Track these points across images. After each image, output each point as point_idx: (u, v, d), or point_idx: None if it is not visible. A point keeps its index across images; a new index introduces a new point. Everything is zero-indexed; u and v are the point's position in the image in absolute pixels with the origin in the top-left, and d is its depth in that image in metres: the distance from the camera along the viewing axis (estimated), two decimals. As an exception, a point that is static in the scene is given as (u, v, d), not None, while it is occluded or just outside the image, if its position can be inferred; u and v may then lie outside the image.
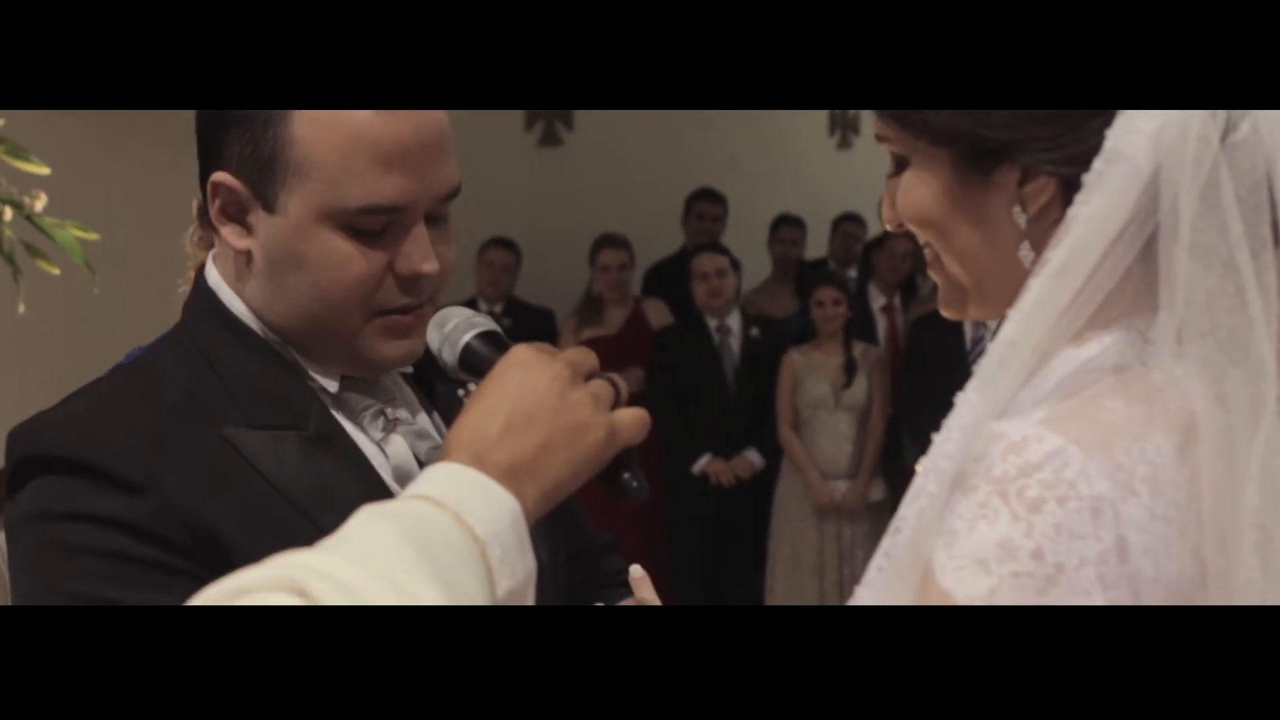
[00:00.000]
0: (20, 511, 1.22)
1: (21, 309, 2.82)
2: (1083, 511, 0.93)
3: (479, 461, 1.03)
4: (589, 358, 1.13)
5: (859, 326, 5.60)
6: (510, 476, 1.03)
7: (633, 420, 1.10)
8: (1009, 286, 1.04)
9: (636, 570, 1.44)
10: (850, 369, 5.30)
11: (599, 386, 1.10)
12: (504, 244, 5.81)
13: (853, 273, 6.72)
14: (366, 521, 0.97)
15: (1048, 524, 0.93)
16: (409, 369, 1.39)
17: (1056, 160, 1.04)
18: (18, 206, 2.74)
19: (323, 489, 1.24)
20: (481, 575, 0.97)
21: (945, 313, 1.17)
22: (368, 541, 0.95)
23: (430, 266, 1.26)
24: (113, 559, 1.17)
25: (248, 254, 1.28)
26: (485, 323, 1.29)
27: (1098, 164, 1.00)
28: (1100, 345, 1.03)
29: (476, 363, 1.26)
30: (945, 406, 1.01)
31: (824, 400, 5.30)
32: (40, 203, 2.77)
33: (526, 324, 5.44)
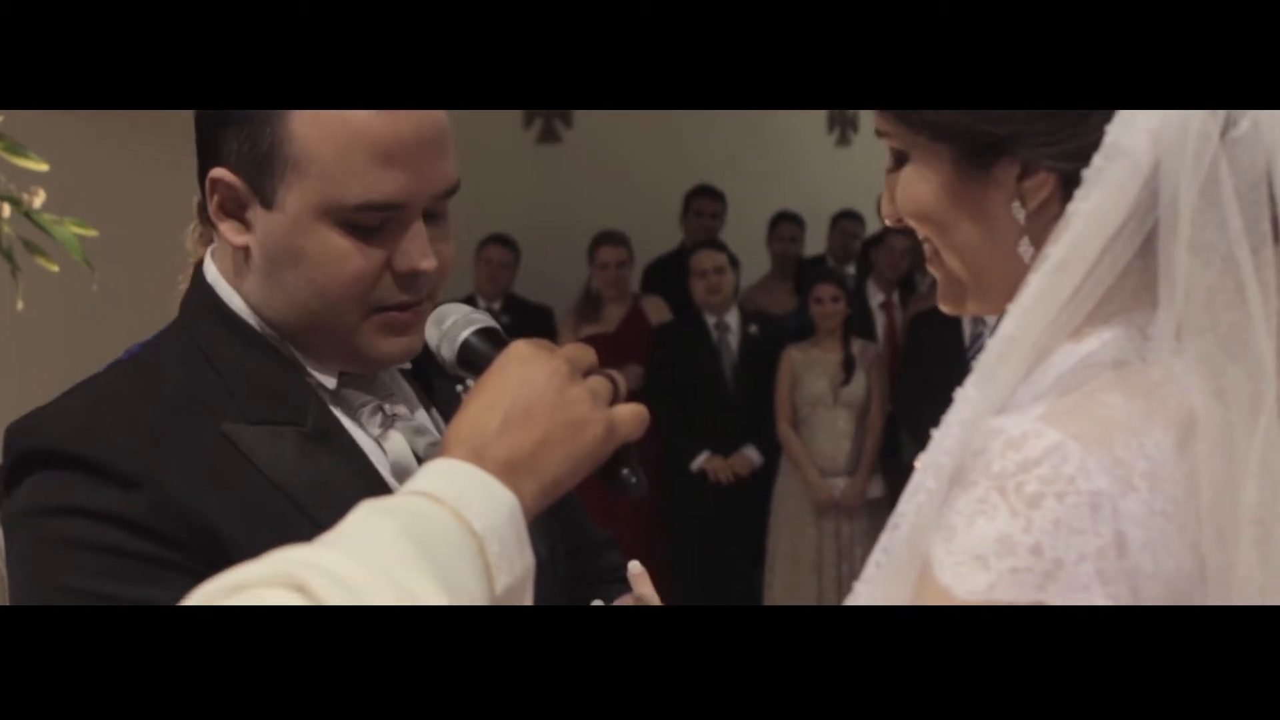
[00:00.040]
0: (17, 506, 1.22)
1: (20, 306, 2.82)
2: (1081, 507, 0.93)
3: (477, 457, 1.03)
4: (587, 353, 1.12)
5: (857, 323, 5.60)
6: (509, 472, 1.03)
7: (631, 416, 1.10)
8: (1008, 282, 1.05)
9: (635, 566, 1.44)
10: (849, 366, 5.30)
11: (597, 382, 1.10)
12: (502, 241, 5.80)
13: (851, 270, 6.72)
14: (365, 517, 0.97)
15: (1046, 519, 0.93)
16: (407, 365, 1.39)
17: (1056, 155, 1.04)
18: (16, 203, 2.74)
19: (321, 485, 1.24)
20: (480, 571, 0.97)
21: (944, 308, 1.16)
22: (366, 537, 0.95)
23: (428, 263, 1.26)
24: (110, 554, 1.17)
25: (246, 250, 1.28)
26: (484, 319, 1.29)
27: (1097, 159, 1.00)
28: (1099, 341, 1.03)
29: (475, 359, 1.26)
30: (944, 403, 1.01)
31: (822, 397, 5.30)
32: (39, 199, 2.77)
33: (525, 321, 5.43)
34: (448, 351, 1.28)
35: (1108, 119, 1.00)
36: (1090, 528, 0.93)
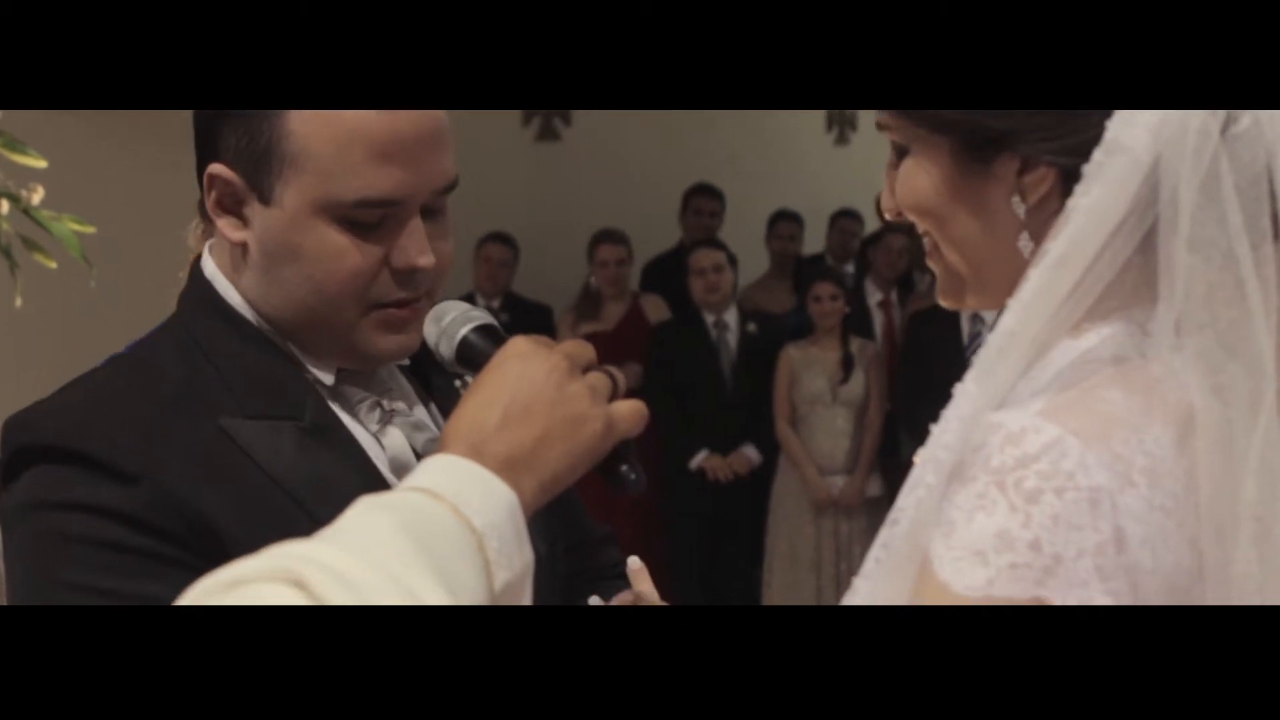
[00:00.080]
0: (15, 501, 1.21)
1: (19, 302, 2.82)
2: (1080, 502, 0.93)
3: (476, 453, 1.03)
4: (586, 350, 1.12)
5: (856, 322, 5.60)
6: (508, 468, 1.03)
7: (630, 412, 1.10)
8: (1007, 277, 1.04)
9: (634, 562, 1.43)
10: (847, 364, 5.30)
11: (596, 378, 1.10)
12: (502, 239, 5.80)
13: (850, 268, 6.72)
14: (364, 513, 0.97)
15: (1045, 515, 0.93)
16: (406, 361, 1.39)
17: (1056, 150, 1.04)
18: (15, 199, 2.74)
19: (319, 480, 1.24)
20: (479, 567, 0.97)
21: (943, 302, 1.16)
22: (365, 533, 0.94)
23: (426, 260, 1.26)
24: (108, 549, 1.17)
25: (243, 246, 1.28)
26: (482, 316, 1.29)
27: (1098, 155, 1.00)
28: (1099, 336, 1.03)
29: (473, 356, 1.25)
30: (942, 401, 1.01)
31: (821, 395, 5.30)
32: (37, 196, 2.77)
33: (524, 319, 5.43)
34: (446, 348, 1.28)
35: (1108, 115, 1.00)
36: (1089, 523, 0.93)
